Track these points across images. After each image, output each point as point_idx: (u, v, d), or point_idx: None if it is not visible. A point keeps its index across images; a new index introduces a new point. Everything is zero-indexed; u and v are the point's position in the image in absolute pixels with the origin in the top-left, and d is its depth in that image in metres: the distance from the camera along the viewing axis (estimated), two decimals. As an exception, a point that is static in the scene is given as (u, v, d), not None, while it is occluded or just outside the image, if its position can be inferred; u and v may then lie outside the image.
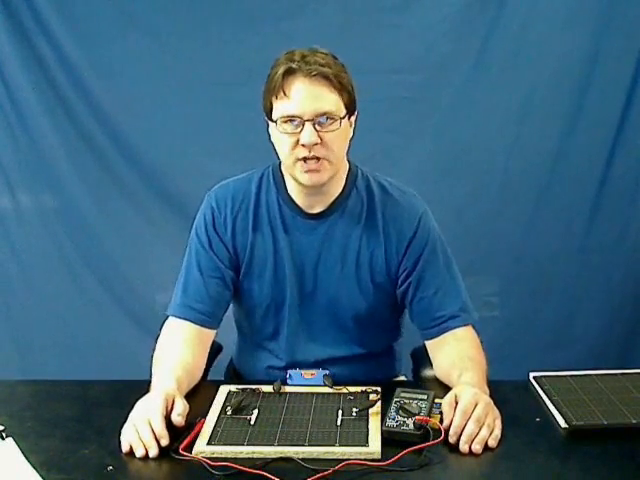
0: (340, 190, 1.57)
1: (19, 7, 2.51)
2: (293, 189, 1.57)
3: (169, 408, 1.31)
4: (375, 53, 2.49)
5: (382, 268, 1.57)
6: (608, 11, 2.49)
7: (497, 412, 1.33)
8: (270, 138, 1.52)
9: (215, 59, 2.55)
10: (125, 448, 1.26)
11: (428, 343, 1.58)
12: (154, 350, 1.53)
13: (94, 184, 2.67)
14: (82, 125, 2.61)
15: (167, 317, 1.59)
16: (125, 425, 1.29)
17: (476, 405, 1.29)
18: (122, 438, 1.28)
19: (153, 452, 1.24)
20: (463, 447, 1.24)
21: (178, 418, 1.29)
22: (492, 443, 1.26)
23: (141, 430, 1.26)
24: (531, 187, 2.65)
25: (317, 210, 1.57)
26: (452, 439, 1.26)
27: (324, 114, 1.43)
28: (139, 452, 1.24)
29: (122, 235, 2.71)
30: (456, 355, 1.49)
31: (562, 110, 2.58)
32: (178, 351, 1.51)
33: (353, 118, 1.52)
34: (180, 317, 1.56)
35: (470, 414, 1.28)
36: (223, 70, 2.55)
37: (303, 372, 1.52)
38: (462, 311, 1.55)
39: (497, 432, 1.28)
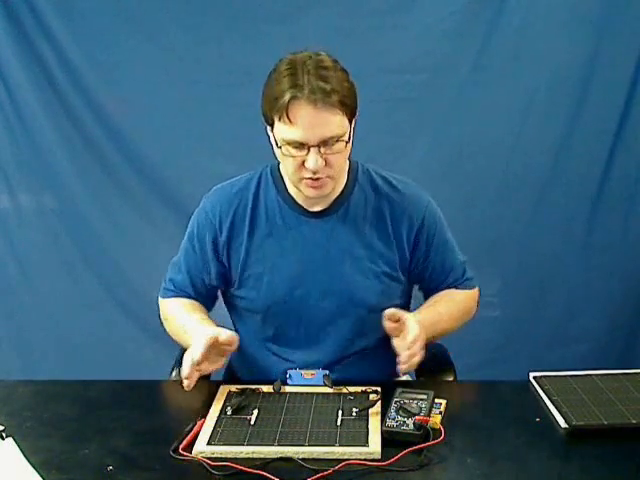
0: (342, 188, 1.58)
1: (19, 7, 2.50)
2: (294, 188, 1.57)
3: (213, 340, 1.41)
4: (375, 54, 2.49)
5: (394, 258, 1.59)
6: (608, 11, 2.49)
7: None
8: (269, 139, 1.51)
9: (215, 60, 2.54)
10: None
11: None
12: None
13: (94, 184, 2.66)
14: (82, 125, 2.61)
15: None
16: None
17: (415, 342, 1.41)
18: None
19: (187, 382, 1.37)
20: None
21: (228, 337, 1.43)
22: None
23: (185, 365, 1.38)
24: (531, 187, 2.65)
25: (319, 208, 1.57)
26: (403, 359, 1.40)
27: (330, 138, 1.42)
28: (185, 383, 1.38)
29: (122, 235, 2.71)
30: (444, 295, 1.67)
31: (562, 110, 2.58)
32: (189, 308, 1.63)
33: (354, 120, 1.50)
34: (173, 297, 1.67)
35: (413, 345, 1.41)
36: (223, 70, 2.54)
37: (303, 372, 1.52)
38: (466, 280, 1.70)
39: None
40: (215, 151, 2.58)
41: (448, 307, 1.65)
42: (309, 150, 1.41)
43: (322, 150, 1.42)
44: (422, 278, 1.67)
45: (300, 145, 1.42)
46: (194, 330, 1.50)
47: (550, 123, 2.60)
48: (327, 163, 1.44)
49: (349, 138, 1.46)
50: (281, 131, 1.43)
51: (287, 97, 1.38)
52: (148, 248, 2.69)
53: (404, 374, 1.44)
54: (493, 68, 2.55)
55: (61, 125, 2.60)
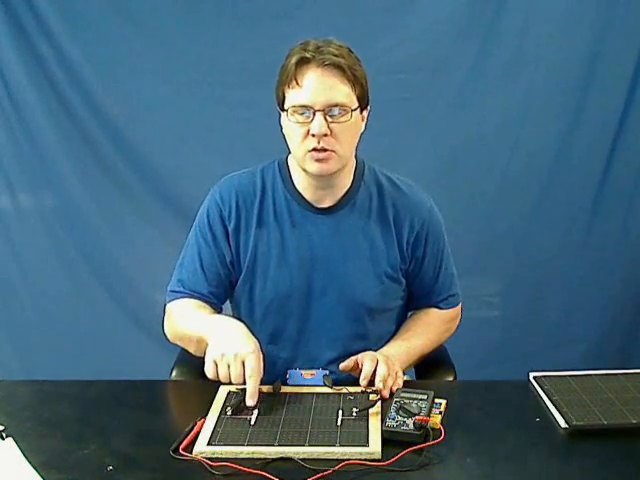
0: (349, 185, 1.58)
1: (19, 7, 2.51)
2: (301, 183, 1.57)
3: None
4: (375, 53, 2.48)
5: (395, 259, 1.59)
6: (608, 11, 2.50)
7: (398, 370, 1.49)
8: (282, 130, 1.52)
9: (215, 59, 2.55)
10: (212, 376, 1.38)
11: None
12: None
13: (94, 184, 2.67)
14: (82, 125, 2.61)
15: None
16: (213, 353, 1.37)
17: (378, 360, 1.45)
18: (209, 367, 1.38)
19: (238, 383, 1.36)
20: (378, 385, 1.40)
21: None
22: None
23: (234, 368, 1.35)
24: (531, 187, 2.65)
25: (326, 205, 1.58)
26: (363, 382, 1.42)
27: (335, 105, 1.44)
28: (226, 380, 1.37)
29: (122, 235, 2.71)
30: (420, 319, 1.68)
31: (562, 110, 2.58)
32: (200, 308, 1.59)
33: (365, 113, 1.53)
34: (182, 297, 1.61)
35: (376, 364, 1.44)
36: (222, 70, 2.55)
37: (303, 372, 1.52)
38: (450, 296, 1.70)
39: (400, 381, 1.45)
40: (215, 151, 2.58)
41: (423, 331, 1.66)
42: (314, 116, 1.43)
43: (327, 118, 1.43)
44: (412, 284, 1.67)
45: (306, 109, 1.43)
46: (215, 321, 1.51)
47: (550, 123, 2.60)
48: (332, 133, 1.44)
49: (355, 109, 1.46)
50: (290, 97, 1.46)
51: (295, 60, 1.43)
52: (148, 248, 2.70)
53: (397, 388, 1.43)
54: (493, 68, 2.56)
55: (61, 125, 2.61)
